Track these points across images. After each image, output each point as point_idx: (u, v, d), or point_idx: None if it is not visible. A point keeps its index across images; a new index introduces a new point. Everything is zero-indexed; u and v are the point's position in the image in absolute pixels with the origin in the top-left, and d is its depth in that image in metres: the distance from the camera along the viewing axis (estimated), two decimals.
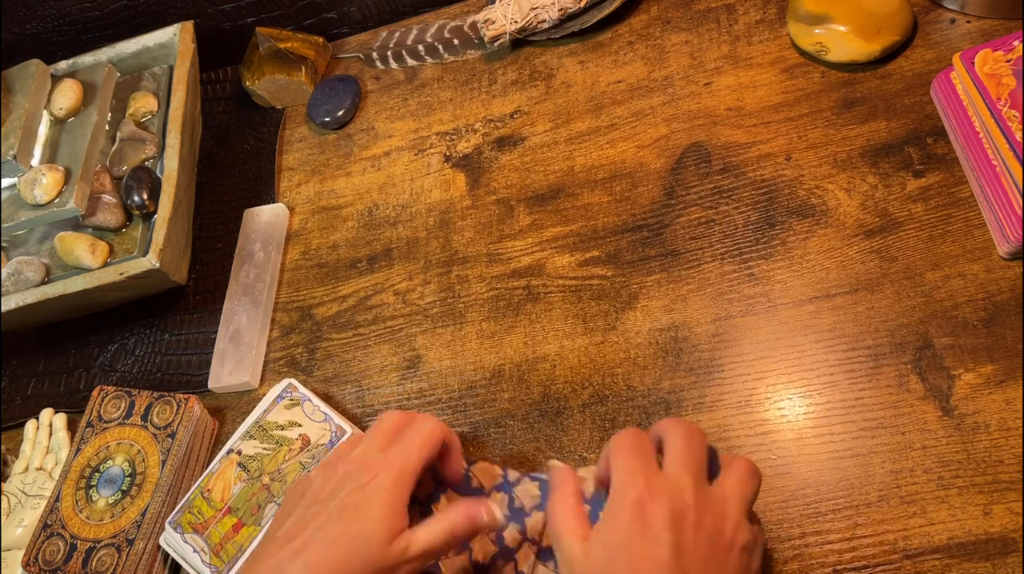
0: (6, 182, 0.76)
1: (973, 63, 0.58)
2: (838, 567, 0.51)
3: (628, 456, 0.45)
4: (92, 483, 0.66)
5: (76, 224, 0.76)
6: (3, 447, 0.76)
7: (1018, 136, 0.55)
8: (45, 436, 0.73)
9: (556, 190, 0.71)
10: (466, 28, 0.81)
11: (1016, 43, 0.58)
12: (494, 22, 0.78)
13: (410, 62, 0.84)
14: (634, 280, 0.65)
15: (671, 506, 0.42)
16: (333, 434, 0.63)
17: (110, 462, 0.67)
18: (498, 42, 0.79)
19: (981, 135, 0.58)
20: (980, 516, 0.49)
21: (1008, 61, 0.58)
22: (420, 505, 0.51)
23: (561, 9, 0.76)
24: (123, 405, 0.69)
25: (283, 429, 0.64)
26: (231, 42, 0.91)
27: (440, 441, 0.49)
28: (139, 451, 0.66)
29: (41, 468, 0.71)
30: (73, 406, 0.76)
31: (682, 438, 0.45)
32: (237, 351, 0.72)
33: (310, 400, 0.65)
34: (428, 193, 0.76)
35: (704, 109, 0.70)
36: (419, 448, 0.48)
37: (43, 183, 0.73)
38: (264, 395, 0.68)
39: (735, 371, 0.59)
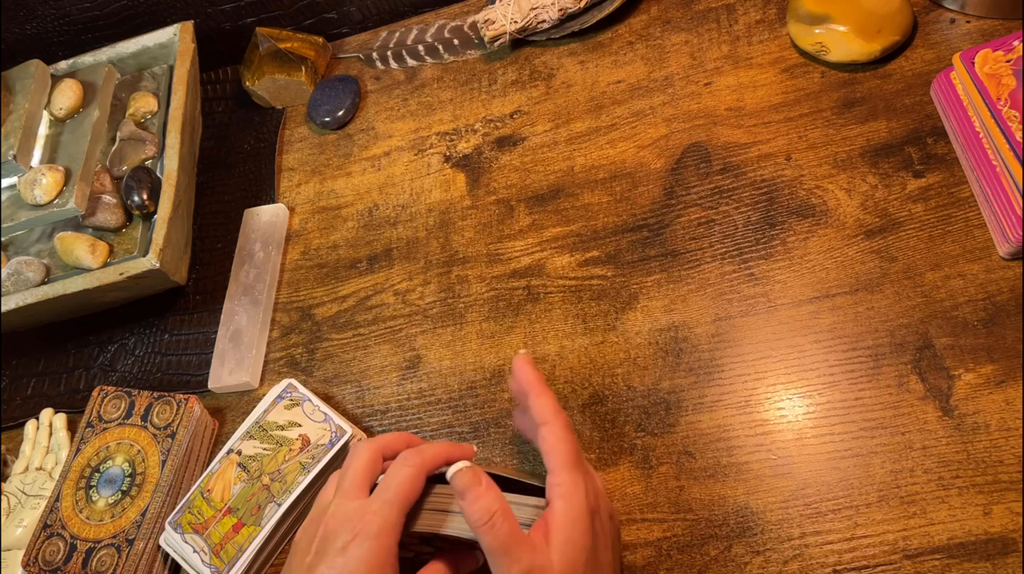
0: (6, 182, 0.76)
1: (973, 63, 0.58)
2: (838, 567, 0.51)
3: (575, 467, 0.47)
4: (92, 483, 0.66)
5: (76, 224, 0.76)
6: (3, 447, 0.76)
7: (1018, 136, 0.55)
8: (45, 436, 0.73)
9: (556, 190, 0.71)
10: (466, 28, 0.81)
11: (1016, 43, 0.58)
12: (494, 22, 0.78)
13: (410, 62, 0.84)
14: (634, 280, 0.65)
15: (607, 510, 0.48)
16: (333, 434, 0.63)
17: (110, 462, 0.67)
18: (498, 42, 0.79)
19: (981, 135, 0.58)
20: (980, 516, 0.49)
21: (1008, 61, 0.58)
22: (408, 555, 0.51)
23: (561, 9, 0.76)
24: (123, 405, 0.69)
25: (283, 429, 0.64)
26: (231, 42, 0.91)
27: (424, 477, 0.48)
28: (139, 451, 0.66)
29: (41, 468, 0.71)
30: (73, 406, 0.76)
31: (569, 438, 0.48)
32: (237, 351, 0.72)
33: (310, 400, 0.65)
34: (428, 193, 0.76)
35: (704, 109, 0.70)
36: (400, 495, 0.46)
37: (43, 183, 0.73)
38: (264, 395, 0.68)
39: (735, 371, 0.59)
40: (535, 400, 0.49)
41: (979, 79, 0.58)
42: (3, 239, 0.77)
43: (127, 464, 0.66)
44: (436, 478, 0.49)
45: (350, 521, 0.45)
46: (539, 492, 0.48)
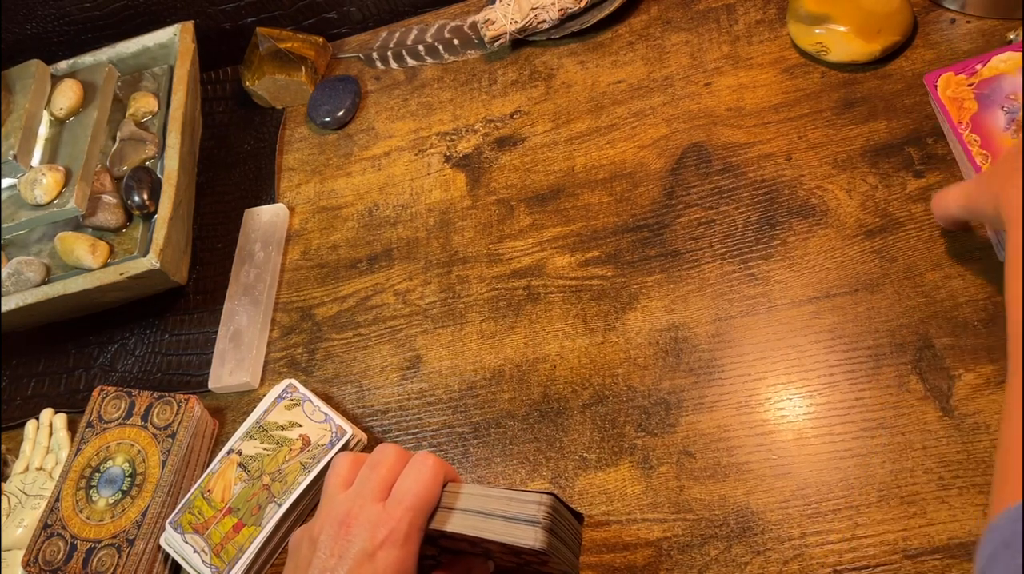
0: (6, 182, 0.76)
1: (936, 86, 0.59)
2: (838, 567, 0.51)
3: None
4: (92, 483, 0.66)
5: (76, 224, 0.76)
6: (3, 447, 0.76)
7: (978, 161, 0.55)
8: (45, 436, 0.73)
9: (556, 190, 0.71)
10: (466, 28, 0.81)
11: (979, 66, 0.58)
12: (494, 22, 0.78)
13: (410, 62, 0.84)
14: (634, 280, 0.65)
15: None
16: (333, 434, 0.63)
17: (110, 462, 0.67)
18: (498, 42, 0.79)
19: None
20: (980, 516, 0.49)
21: (970, 85, 0.58)
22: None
23: (561, 9, 0.76)
24: (123, 405, 0.69)
25: (283, 429, 0.64)
26: (231, 42, 0.91)
27: (442, 481, 0.48)
28: (139, 451, 0.66)
29: (41, 468, 0.71)
30: (73, 406, 0.76)
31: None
32: (237, 351, 0.72)
33: (310, 400, 0.65)
34: (428, 193, 0.76)
35: (704, 109, 0.70)
36: (424, 500, 0.46)
37: (43, 183, 0.73)
38: (264, 395, 0.68)
39: (735, 371, 0.59)
40: None
41: (941, 103, 0.58)
42: (3, 239, 0.77)
43: (127, 464, 0.66)
44: None
45: (375, 526, 0.45)
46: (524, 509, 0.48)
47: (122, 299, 0.77)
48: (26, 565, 0.64)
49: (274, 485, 0.61)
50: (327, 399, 0.69)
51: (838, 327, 0.58)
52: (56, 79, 0.80)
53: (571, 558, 0.52)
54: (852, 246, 0.60)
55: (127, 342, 0.79)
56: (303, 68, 0.85)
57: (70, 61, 0.85)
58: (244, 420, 0.66)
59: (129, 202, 0.75)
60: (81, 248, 0.73)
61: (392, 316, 0.71)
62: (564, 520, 0.50)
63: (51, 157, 0.76)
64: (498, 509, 0.47)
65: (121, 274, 0.71)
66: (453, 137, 0.78)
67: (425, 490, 0.46)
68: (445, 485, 0.49)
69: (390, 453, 0.49)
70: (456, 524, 0.47)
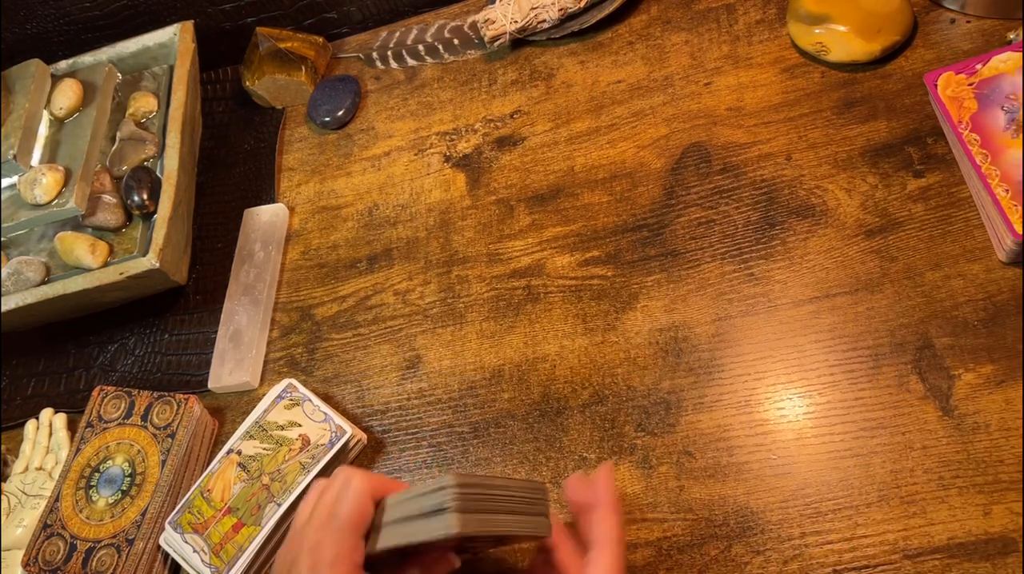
0: (6, 182, 0.76)
1: (936, 86, 0.59)
2: (838, 567, 0.51)
3: None
4: (92, 483, 0.66)
5: (76, 224, 0.76)
6: (3, 447, 0.76)
7: (978, 161, 0.55)
8: (45, 436, 0.73)
9: (556, 190, 0.71)
10: (466, 28, 0.81)
11: (979, 66, 0.58)
12: (494, 22, 0.78)
13: (410, 62, 0.84)
14: (634, 280, 0.65)
15: None
16: (333, 434, 0.63)
17: (110, 462, 0.67)
18: (498, 42, 0.79)
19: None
20: (980, 516, 0.49)
21: (970, 84, 0.58)
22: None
23: (561, 9, 0.76)
24: (123, 405, 0.69)
25: (283, 429, 0.64)
26: (231, 42, 0.91)
27: (368, 498, 0.47)
28: (139, 451, 0.66)
29: (41, 468, 0.71)
30: (73, 406, 0.76)
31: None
32: (237, 351, 0.72)
33: (310, 400, 0.65)
34: (428, 193, 0.76)
35: (704, 109, 0.70)
36: (347, 521, 0.46)
37: (43, 183, 0.73)
38: (264, 395, 0.68)
39: (735, 371, 0.59)
40: (605, 516, 0.46)
41: (941, 102, 0.58)
42: (3, 239, 0.77)
43: (127, 464, 0.66)
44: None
45: (310, 551, 0.45)
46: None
47: (122, 299, 0.77)
48: (26, 565, 0.64)
49: (273, 485, 0.61)
50: (327, 399, 0.69)
51: (838, 327, 0.58)
52: (56, 79, 0.80)
53: (531, 521, 0.48)
54: (852, 246, 0.60)
55: (127, 342, 0.79)
56: (303, 68, 0.85)
57: (70, 61, 0.85)
58: (244, 420, 0.66)
59: (129, 202, 0.75)
60: (81, 248, 0.73)
61: (392, 316, 0.71)
62: (493, 491, 0.47)
63: (51, 157, 0.76)
64: (415, 509, 0.46)
65: (121, 274, 0.71)
66: (453, 137, 0.78)
67: (346, 512, 0.46)
68: (381, 501, 0.48)
69: (340, 478, 0.48)
70: (388, 538, 0.46)
